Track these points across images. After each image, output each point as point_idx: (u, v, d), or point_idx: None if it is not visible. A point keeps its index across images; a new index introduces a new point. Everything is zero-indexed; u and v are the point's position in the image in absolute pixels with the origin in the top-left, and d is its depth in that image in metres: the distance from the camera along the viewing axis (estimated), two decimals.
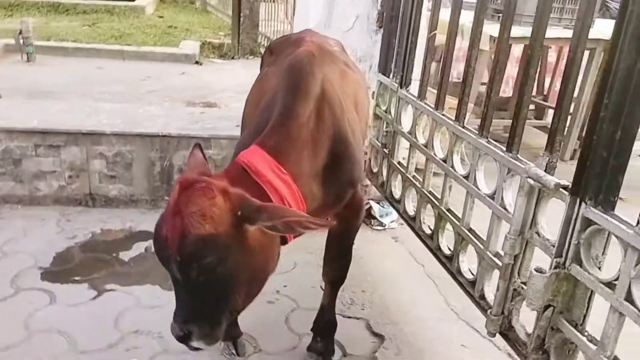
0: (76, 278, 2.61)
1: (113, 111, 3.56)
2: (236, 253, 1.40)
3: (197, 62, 7.78)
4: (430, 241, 2.40)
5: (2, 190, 3.20)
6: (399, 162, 2.81)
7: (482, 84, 4.63)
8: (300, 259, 2.87)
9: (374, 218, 3.42)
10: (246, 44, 8.60)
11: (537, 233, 1.64)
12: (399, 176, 2.79)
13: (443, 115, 2.35)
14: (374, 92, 3.11)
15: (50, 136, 3.12)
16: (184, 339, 1.42)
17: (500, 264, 1.79)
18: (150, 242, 2.90)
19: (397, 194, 2.83)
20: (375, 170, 3.12)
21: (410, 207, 2.68)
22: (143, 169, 3.25)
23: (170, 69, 7.25)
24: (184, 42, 8.45)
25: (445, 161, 2.28)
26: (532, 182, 1.62)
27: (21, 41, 6.64)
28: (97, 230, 3.05)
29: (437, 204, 2.31)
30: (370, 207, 3.40)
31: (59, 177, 3.22)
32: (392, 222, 3.44)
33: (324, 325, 2.27)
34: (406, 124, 2.74)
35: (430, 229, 2.42)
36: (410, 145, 2.64)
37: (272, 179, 1.57)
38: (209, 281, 1.38)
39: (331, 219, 2.04)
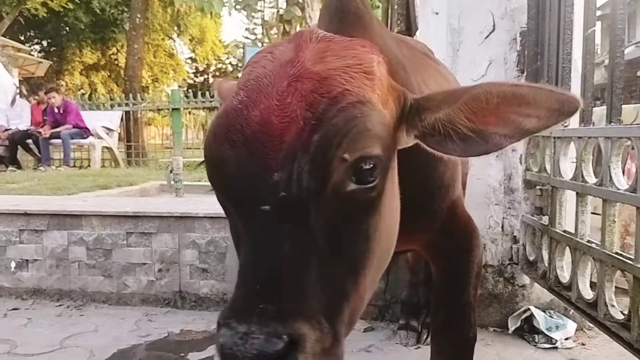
0: None
1: None
2: (388, 173, 0.82)
3: None
4: (629, 334, 1.43)
5: (90, 286, 2.87)
6: (564, 231, 1.94)
7: None
8: None
9: (539, 332, 2.41)
10: None
11: None
12: (566, 249, 1.91)
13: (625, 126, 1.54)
14: (521, 156, 2.37)
15: (142, 221, 2.80)
16: (280, 357, 0.66)
17: None
18: None
19: (564, 277, 1.92)
20: (532, 258, 2.24)
21: (587, 289, 1.74)
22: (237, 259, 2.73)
23: None
24: None
25: (635, 191, 1.42)
26: None
27: (171, 177, 7.02)
28: (176, 330, 2.51)
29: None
30: (532, 317, 2.42)
31: (148, 271, 2.82)
32: (566, 339, 2.38)
33: None
34: (568, 169, 1.93)
35: (627, 315, 1.47)
36: (579, 195, 1.80)
37: None
38: (353, 213, 0.75)
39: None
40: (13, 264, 2.91)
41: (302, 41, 0.86)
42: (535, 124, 0.80)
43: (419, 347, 2.27)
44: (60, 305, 2.83)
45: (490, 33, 2.44)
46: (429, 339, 2.29)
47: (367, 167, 0.75)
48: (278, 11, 16.61)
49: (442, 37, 2.49)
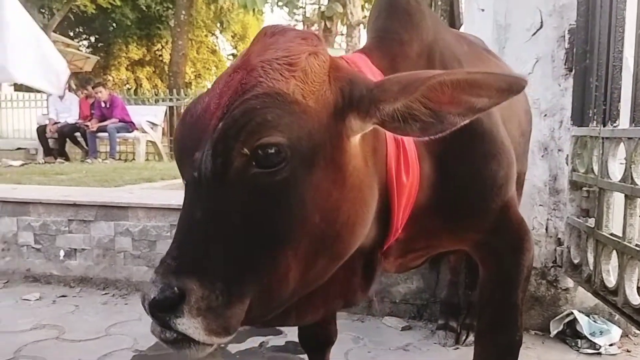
0: None
1: None
2: (320, 158, 0.86)
3: None
4: None
5: (135, 276, 2.96)
6: (611, 234, 1.89)
7: None
8: None
9: (582, 337, 2.35)
10: None
11: None
12: (613, 252, 1.86)
13: None
14: (567, 156, 2.31)
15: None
16: (163, 307, 0.77)
17: None
18: (268, 338, 2.32)
19: (610, 281, 1.87)
20: (577, 261, 2.19)
21: (634, 294, 1.70)
22: None
23: None
24: None
25: None
26: None
27: None
28: None
29: None
30: (575, 321, 2.36)
31: None
32: (610, 345, 2.32)
33: None
34: (617, 171, 1.88)
35: None
36: (627, 197, 1.75)
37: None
38: (256, 193, 0.82)
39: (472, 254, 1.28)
40: (62, 253, 3.02)
41: (260, 35, 0.97)
42: (486, 102, 0.86)
43: (457, 348, 2.25)
44: (106, 293, 2.93)
45: (538, 30, 2.38)
46: (467, 339, 2.27)
47: (268, 154, 0.81)
48: (319, 7, 16.63)
49: (487, 34, 2.45)
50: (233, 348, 2.26)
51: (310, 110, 0.87)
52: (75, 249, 3.00)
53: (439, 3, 5.62)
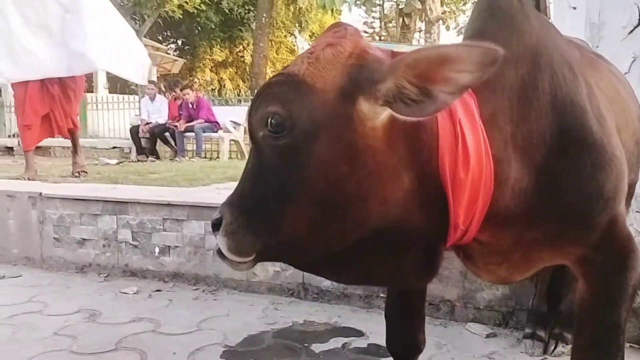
0: None
1: None
2: (324, 133, 1.00)
3: None
4: None
5: (223, 273, 3.11)
6: None
7: None
8: None
9: None
10: None
11: None
12: None
13: None
14: None
15: None
16: (213, 226, 1.10)
17: None
18: (350, 339, 2.36)
19: None
20: None
21: None
22: None
23: None
24: None
25: None
26: None
27: None
28: (300, 320, 2.64)
29: None
30: None
31: (275, 262, 2.99)
32: None
33: None
34: None
35: None
36: None
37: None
38: (270, 153, 1.04)
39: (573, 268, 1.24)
40: (157, 250, 3.22)
41: (325, 30, 1.14)
42: (469, 77, 0.91)
43: (545, 358, 2.19)
44: (196, 289, 3.09)
45: (635, 28, 2.26)
46: (556, 350, 2.20)
47: (273, 120, 1.02)
48: (398, 4, 16.47)
49: (579, 33, 2.35)
50: (316, 348, 2.32)
51: (317, 91, 1.01)
52: (169, 246, 3.19)
53: None
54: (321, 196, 1.01)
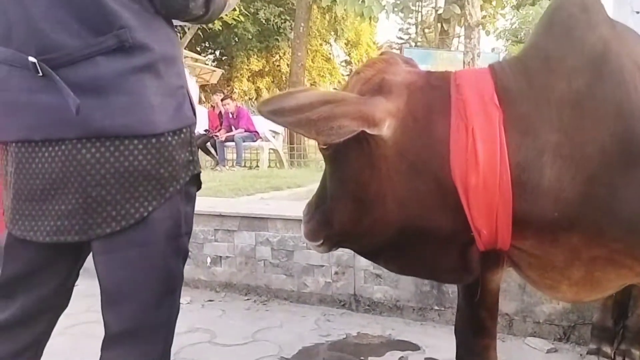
0: None
1: None
2: (351, 146, 1.19)
3: None
4: None
5: (274, 284, 3.12)
6: None
7: None
8: None
9: None
10: None
11: None
12: None
13: None
14: None
15: None
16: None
17: None
18: (406, 354, 2.34)
19: None
20: None
21: None
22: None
23: None
24: None
25: None
26: None
27: None
28: (353, 332, 2.63)
29: None
30: None
31: (325, 273, 2.99)
32: None
33: None
34: None
35: None
36: None
37: (470, 101, 1.14)
38: (325, 163, 1.34)
39: None
40: (209, 260, 3.26)
41: None
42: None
43: None
44: (248, 299, 3.12)
45: None
46: None
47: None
48: (436, 10, 16.35)
49: None
50: None
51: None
52: (221, 257, 3.23)
53: None
54: (353, 195, 1.25)
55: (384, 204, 1.20)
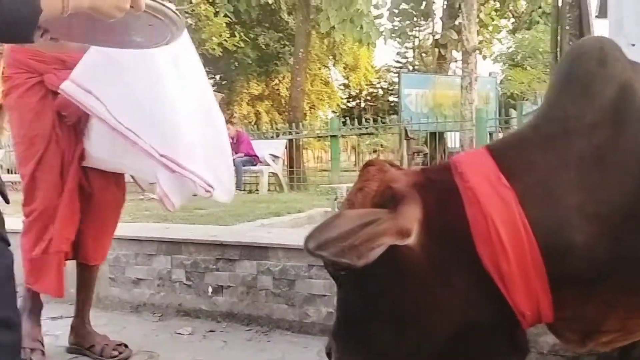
0: None
1: None
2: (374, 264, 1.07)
3: None
4: None
5: (275, 314, 3.10)
6: None
7: None
8: None
9: None
10: None
11: None
12: None
13: None
14: None
15: None
16: (328, 355, 1.35)
17: None
18: None
19: None
20: None
21: None
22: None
23: None
24: None
25: None
26: None
27: (336, 205, 7.30)
28: None
29: None
30: None
31: (327, 303, 2.97)
32: None
33: None
34: None
35: None
36: None
37: (478, 187, 1.13)
38: (340, 285, 1.28)
39: None
40: (210, 289, 3.25)
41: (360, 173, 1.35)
42: None
43: None
44: (249, 329, 3.09)
45: None
46: None
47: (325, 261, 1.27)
48: (434, 35, 16.58)
49: None
50: None
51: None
52: (222, 286, 3.22)
53: (567, 27, 5.37)
54: (390, 314, 1.18)
55: (426, 313, 1.17)
